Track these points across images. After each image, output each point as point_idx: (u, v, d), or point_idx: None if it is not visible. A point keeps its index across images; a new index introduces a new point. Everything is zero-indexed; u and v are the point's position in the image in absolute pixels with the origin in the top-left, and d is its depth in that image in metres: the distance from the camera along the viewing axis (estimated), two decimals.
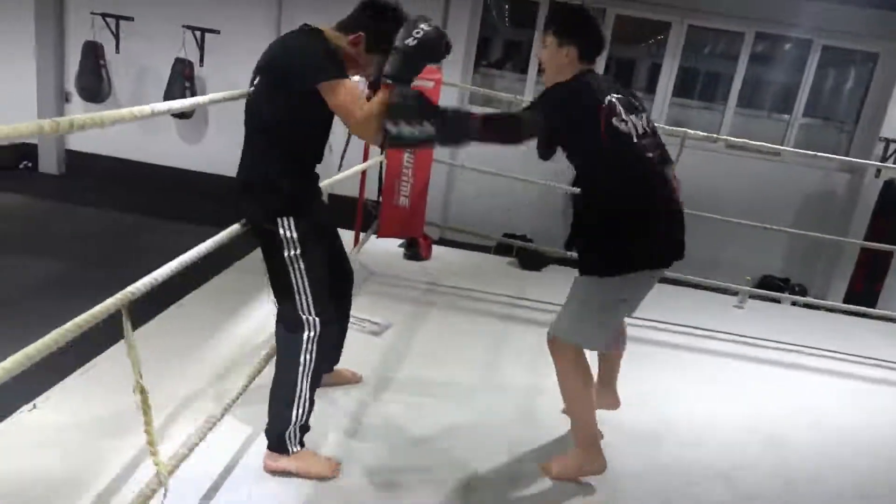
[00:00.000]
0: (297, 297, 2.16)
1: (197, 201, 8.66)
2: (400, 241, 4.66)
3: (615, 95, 2.18)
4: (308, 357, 2.17)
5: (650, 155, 2.19)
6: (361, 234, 4.40)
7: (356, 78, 2.34)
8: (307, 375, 2.19)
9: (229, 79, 8.73)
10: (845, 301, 8.08)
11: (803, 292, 8.25)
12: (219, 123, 8.74)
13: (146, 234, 7.51)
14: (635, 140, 2.16)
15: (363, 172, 4.21)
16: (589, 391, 2.34)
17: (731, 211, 5.65)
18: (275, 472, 2.22)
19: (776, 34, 8.50)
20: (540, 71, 2.42)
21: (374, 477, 2.30)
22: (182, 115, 8.29)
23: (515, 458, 2.53)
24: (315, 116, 2.14)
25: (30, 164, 9.29)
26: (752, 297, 4.72)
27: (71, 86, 8.94)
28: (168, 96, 8.49)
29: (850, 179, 8.25)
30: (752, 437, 2.89)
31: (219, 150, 9.08)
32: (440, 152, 8.32)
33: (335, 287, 2.34)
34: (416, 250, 4.51)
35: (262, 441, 2.28)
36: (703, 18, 8.37)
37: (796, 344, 4.01)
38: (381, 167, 4.23)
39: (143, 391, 1.82)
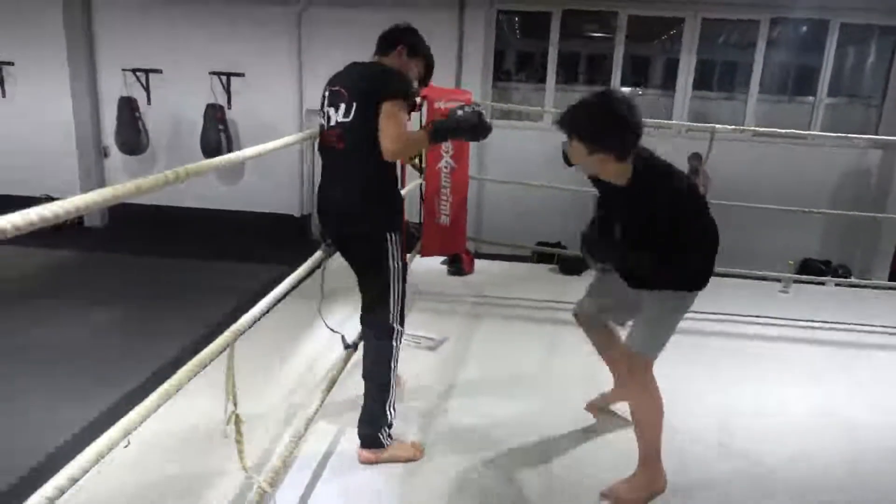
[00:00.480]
0: (390, 307, 2.41)
1: (236, 239, 8.97)
2: (442, 259, 4.78)
3: None
4: (396, 363, 2.47)
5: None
6: (407, 256, 4.55)
7: None
8: (395, 378, 2.49)
9: (258, 118, 9.05)
10: (890, 278, 7.99)
11: (847, 273, 8.15)
12: (254, 162, 8.98)
13: (193, 274, 7.78)
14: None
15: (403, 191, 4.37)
16: (661, 406, 2.31)
17: (764, 198, 5.67)
18: (372, 463, 2.46)
19: (792, 18, 8.50)
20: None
21: (451, 467, 2.43)
22: (217, 156, 8.57)
23: (582, 460, 2.60)
24: None
25: (77, 220, 9.69)
26: (796, 281, 4.73)
27: (109, 140, 9.34)
28: (204, 141, 8.83)
29: (882, 156, 8.16)
30: (827, 421, 2.91)
31: (254, 188, 9.38)
32: (472, 169, 8.51)
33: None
34: (459, 266, 4.63)
35: (346, 441, 2.50)
36: (716, 10, 8.41)
37: (849, 322, 4.01)
38: (420, 189, 4.37)
39: (238, 420, 1.96)
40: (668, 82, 8.97)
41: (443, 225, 4.29)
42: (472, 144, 8.67)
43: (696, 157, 7.29)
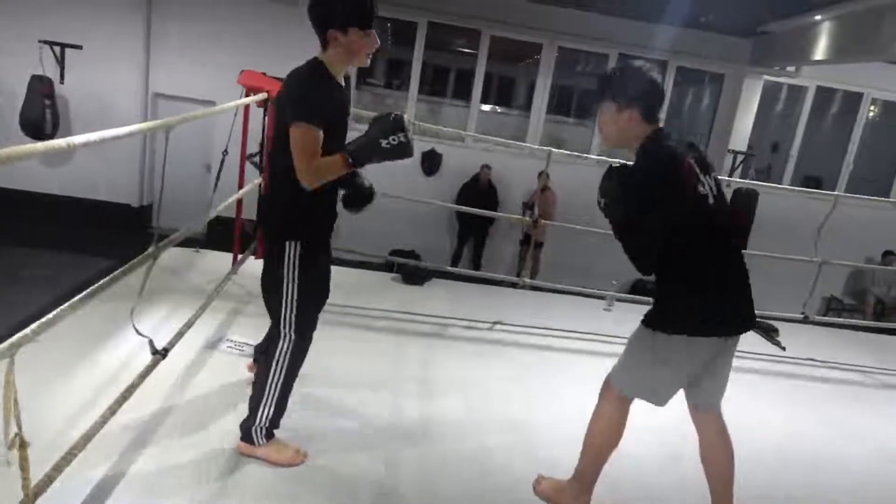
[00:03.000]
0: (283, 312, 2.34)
1: (62, 227, 8.10)
2: None
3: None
4: (281, 368, 2.38)
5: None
6: (239, 256, 4.31)
7: None
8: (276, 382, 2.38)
9: (96, 96, 8.26)
10: None
11: None
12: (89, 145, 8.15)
13: (10, 263, 6.94)
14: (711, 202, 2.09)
15: (239, 193, 4.14)
16: (611, 439, 2.29)
17: (604, 222, 6.03)
18: (245, 456, 2.43)
19: (636, 56, 9.20)
20: None
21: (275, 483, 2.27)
22: (40, 135, 7.71)
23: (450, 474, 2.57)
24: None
25: None
26: (619, 300, 5.03)
27: None
28: (25, 116, 7.90)
29: None
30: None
31: (87, 172, 8.54)
32: None
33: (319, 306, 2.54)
34: None
35: (147, 460, 2.33)
36: (571, 40, 8.91)
37: None
38: (259, 188, 4.16)
39: (23, 445, 1.70)
40: (529, 104, 9.36)
41: None
42: None
43: (542, 175, 7.67)
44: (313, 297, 2.44)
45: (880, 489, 2.93)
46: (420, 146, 8.92)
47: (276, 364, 2.36)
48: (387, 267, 5.48)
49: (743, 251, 2.22)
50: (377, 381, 3.25)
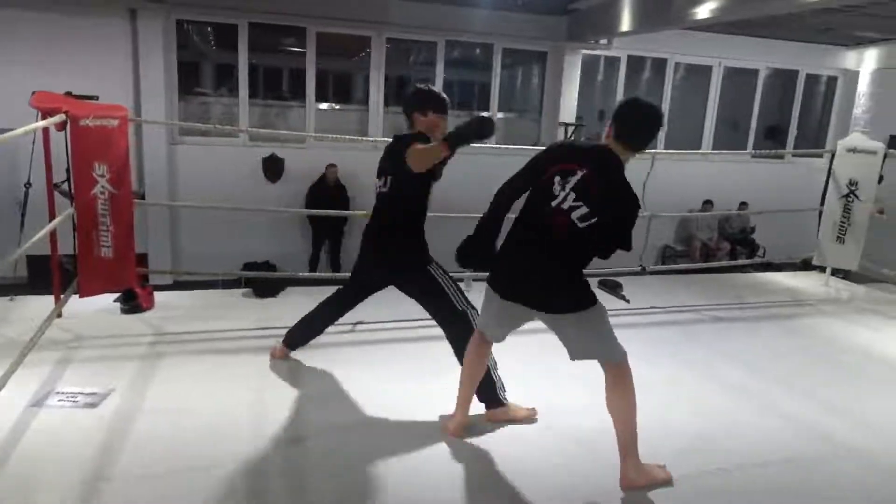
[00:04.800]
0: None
1: None
2: (116, 297, 4.20)
3: None
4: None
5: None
6: (61, 296, 3.88)
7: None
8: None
9: None
10: None
11: None
12: None
13: None
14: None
15: (54, 229, 3.71)
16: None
17: (471, 207, 6.10)
18: (500, 421, 2.90)
19: (464, 41, 9.43)
20: None
21: None
22: None
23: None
24: None
25: None
26: (476, 280, 5.15)
27: None
28: None
29: None
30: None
31: None
32: (155, 195, 7.75)
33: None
34: (134, 302, 4.09)
35: None
36: (399, 31, 8.93)
37: None
38: (73, 220, 3.76)
39: None
40: (367, 98, 9.27)
41: (105, 258, 3.74)
42: (158, 165, 7.98)
43: None
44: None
45: (721, 416, 3.22)
46: (258, 152, 8.55)
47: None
48: (236, 283, 5.19)
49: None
50: (244, 404, 3.06)
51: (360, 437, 2.83)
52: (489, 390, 2.92)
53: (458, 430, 2.82)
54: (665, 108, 10.30)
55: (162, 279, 7.16)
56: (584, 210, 2.34)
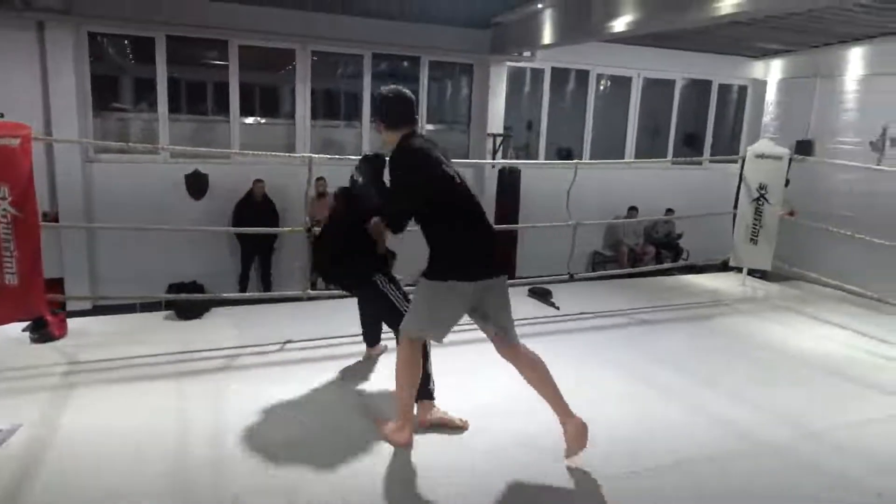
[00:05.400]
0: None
1: None
2: (24, 326, 3.95)
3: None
4: None
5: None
6: None
7: None
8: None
9: None
10: None
11: None
12: None
13: None
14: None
15: None
16: (412, 375, 2.84)
17: None
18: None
19: (391, 54, 9.43)
20: None
21: None
22: None
23: None
24: None
25: None
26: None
27: None
28: None
29: (474, 172, 9.55)
30: None
31: None
32: (69, 216, 7.37)
33: None
34: (45, 331, 3.85)
35: None
36: (323, 44, 8.84)
37: None
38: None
39: None
40: (293, 111, 9.12)
41: (11, 286, 3.50)
42: (72, 185, 7.58)
43: (320, 181, 7.66)
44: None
45: (647, 417, 3.31)
46: (181, 169, 8.27)
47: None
48: (157, 306, 4.98)
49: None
50: (165, 432, 2.92)
51: (287, 457, 2.75)
52: (422, 384, 2.94)
53: (409, 435, 2.88)
54: (588, 118, 10.61)
55: (81, 304, 6.81)
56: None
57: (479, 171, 9.49)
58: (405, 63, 9.91)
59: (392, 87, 2.91)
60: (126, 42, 8.60)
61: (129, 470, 2.65)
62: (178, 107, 8.72)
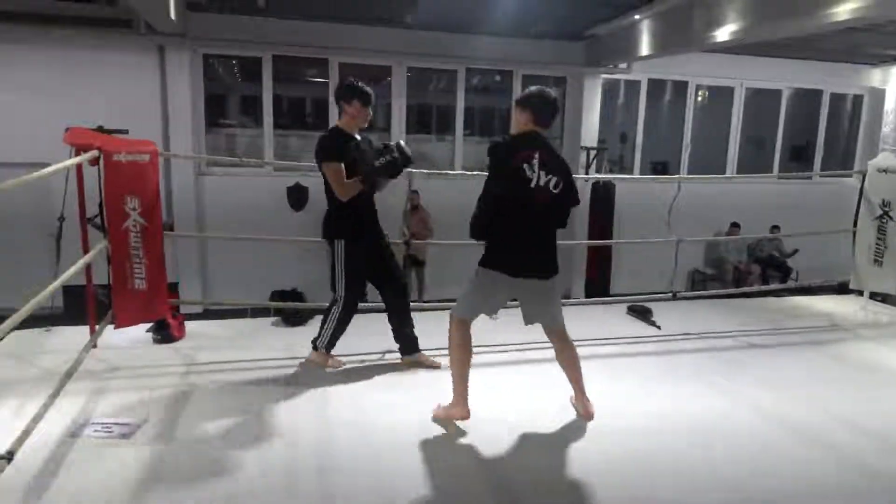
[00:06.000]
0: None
1: None
2: (148, 327, 4.24)
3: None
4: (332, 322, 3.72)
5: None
6: (96, 327, 3.92)
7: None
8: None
9: None
10: (586, 290, 9.25)
11: None
12: None
13: None
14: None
15: (89, 262, 3.75)
16: (464, 354, 3.11)
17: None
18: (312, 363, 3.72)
19: (484, 68, 9.52)
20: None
21: None
22: None
23: None
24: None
25: None
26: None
27: None
28: None
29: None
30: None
31: None
32: (183, 226, 7.88)
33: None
34: (166, 332, 4.12)
35: None
36: (419, 60, 9.05)
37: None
38: (106, 253, 3.81)
39: None
40: (388, 126, 9.38)
41: (138, 290, 3.78)
42: (186, 197, 8.10)
43: (414, 194, 7.83)
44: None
45: (758, 448, 3.13)
46: (283, 182, 8.65)
47: (330, 314, 3.69)
48: (265, 312, 5.21)
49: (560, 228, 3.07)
50: (275, 434, 3.05)
51: (394, 461, 2.80)
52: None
53: (465, 409, 3.10)
54: (687, 130, 10.27)
55: (192, 308, 7.23)
56: (554, 179, 2.95)
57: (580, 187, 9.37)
58: (497, 77, 9.98)
59: (543, 88, 3.11)
60: (234, 62, 9.14)
61: (241, 468, 2.77)
62: (279, 121, 9.16)
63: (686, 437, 3.01)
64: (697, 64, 9.54)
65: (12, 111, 7.62)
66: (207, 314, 6.67)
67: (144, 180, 3.76)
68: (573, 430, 3.14)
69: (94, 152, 3.46)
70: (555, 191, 2.94)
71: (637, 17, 7.90)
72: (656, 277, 6.44)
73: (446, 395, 3.21)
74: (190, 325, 4.43)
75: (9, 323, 2.46)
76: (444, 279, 7.97)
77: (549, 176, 2.93)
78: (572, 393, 3.28)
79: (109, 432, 3.03)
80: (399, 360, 3.94)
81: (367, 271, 3.73)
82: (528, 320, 3.17)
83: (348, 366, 3.91)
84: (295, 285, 7.91)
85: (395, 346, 3.97)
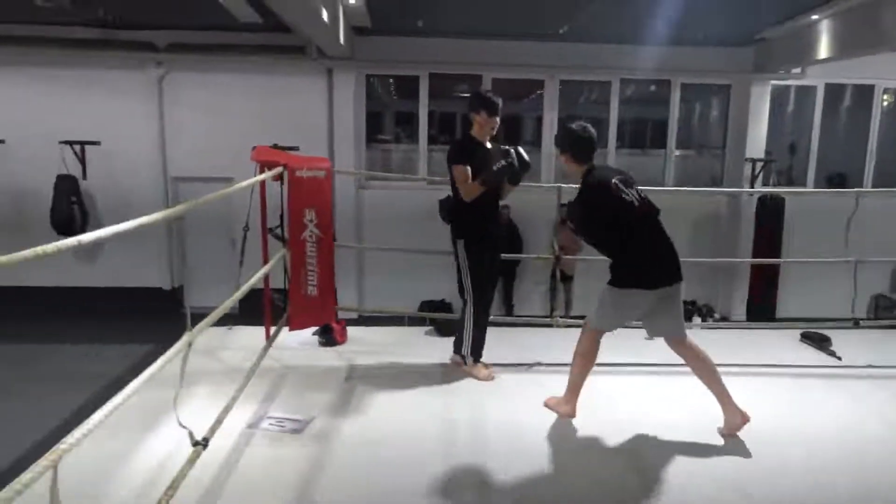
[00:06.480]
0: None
1: (97, 318, 8.23)
2: (313, 330, 4.57)
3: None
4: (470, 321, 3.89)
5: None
6: (272, 329, 4.30)
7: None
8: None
9: (118, 187, 8.49)
10: (748, 312, 8.61)
11: (710, 312, 8.69)
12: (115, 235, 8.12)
13: (49, 359, 7.06)
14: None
15: (267, 266, 4.14)
16: (588, 361, 3.34)
17: None
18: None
19: (639, 78, 9.23)
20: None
21: None
22: (72, 233, 7.90)
23: None
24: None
25: None
26: None
27: None
28: (56, 216, 8.15)
29: (728, 200, 8.88)
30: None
31: (114, 262, 8.70)
32: (344, 237, 8.42)
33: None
34: (330, 336, 4.43)
35: None
36: (572, 72, 8.97)
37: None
38: (284, 261, 4.18)
39: None
40: (538, 139, 9.39)
41: (311, 296, 4.11)
42: (346, 209, 8.65)
43: (564, 208, 7.69)
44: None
45: None
46: (435, 195, 8.91)
47: (465, 319, 3.83)
48: (419, 321, 5.42)
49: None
50: (433, 438, 3.19)
51: (551, 480, 2.79)
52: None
53: (573, 409, 3.33)
54: (872, 139, 9.25)
55: (348, 314, 7.68)
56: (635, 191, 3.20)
57: (733, 198, 8.82)
58: (652, 87, 9.63)
59: (580, 123, 3.33)
60: (391, 80, 9.64)
61: (400, 469, 2.91)
62: (431, 136, 9.51)
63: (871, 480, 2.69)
64: (885, 65, 8.57)
65: (198, 131, 8.58)
66: (361, 320, 7.06)
67: (321, 194, 4.10)
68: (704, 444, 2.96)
69: (279, 169, 3.82)
70: (645, 199, 3.20)
71: (815, 17, 7.27)
72: (832, 302, 5.85)
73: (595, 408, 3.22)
74: (351, 331, 4.72)
75: (207, 321, 2.78)
76: (589, 294, 7.79)
77: (631, 190, 3.17)
78: (721, 424, 3.18)
79: (282, 427, 3.30)
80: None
81: (490, 273, 3.90)
82: (653, 333, 3.32)
83: (500, 374, 3.98)
84: (444, 296, 8.14)
85: (542, 358, 4.09)
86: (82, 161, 8.38)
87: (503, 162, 3.60)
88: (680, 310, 3.24)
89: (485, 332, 3.89)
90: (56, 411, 5.13)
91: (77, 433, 1.77)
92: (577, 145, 3.28)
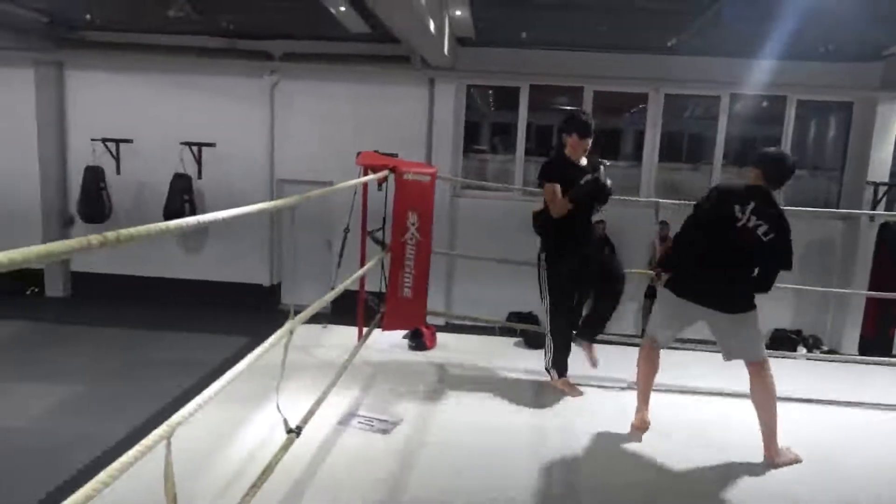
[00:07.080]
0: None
1: (201, 309, 8.75)
2: (404, 334, 4.65)
3: None
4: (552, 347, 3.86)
5: None
6: (364, 330, 4.40)
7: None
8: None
9: (228, 188, 9.01)
10: (860, 346, 7.98)
11: (817, 343, 8.13)
12: (219, 230, 8.64)
13: (156, 346, 7.57)
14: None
15: (364, 268, 4.25)
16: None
17: None
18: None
19: (751, 94, 8.79)
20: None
21: None
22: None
23: None
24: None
25: (37, 290, 9.40)
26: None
27: (74, 209, 9.19)
28: (168, 210, 8.74)
29: (844, 226, 8.29)
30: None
31: (220, 256, 9.23)
32: (437, 243, 8.51)
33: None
34: (420, 341, 4.49)
35: None
36: (678, 86, 8.68)
37: (813, 399, 3.89)
38: (382, 263, 4.29)
39: None
40: (638, 153, 9.15)
41: (405, 298, 4.18)
42: (441, 216, 8.76)
43: (663, 225, 7.48)
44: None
45: None
46: (529, 206, 8.85)
47: (547, 334, 3.86)
48: (507, 332, 5.40)
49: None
50: (519, 447, 3.17)
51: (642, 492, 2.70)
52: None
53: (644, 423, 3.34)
54: None
55: (436, 319, 7.76)
56: (764, 227, 3.07)
57: (851, 223, 8.21)
58: (764, 103, 9.16)
59: (781, 150, 3.53)
60: (490, 91, 9.69)
61: (486, 476, 2.89)
62: (528, 149, 9.46)
63: None
64: None
65: (304, 136, 8.97)
66: (448, 327, 7.11)
67: (424, 199, 4.19)
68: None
69: (385, 172, 3.93)
70: (764, 238, 3.08)
71: None
72: None
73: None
74: (441, 337, 4.76)
75: (306, 313, 2.88)
76: None
77: (760, 222, 3.08)
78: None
79: (371, 426, 3.37)
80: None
81: (571, 289, 3.88)
82: (726, 355, 3.27)
83: (588, 391, 3.89)
84: (532, 308, 8.05)
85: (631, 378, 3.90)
86: (198, 161, 8.96)
87: (588, 176, 3.63)
88: (751, 335, 3.22)
89: (568, 348, 3.84)
90: (166, 393, 5.48)
91: (189, 407, 1.87)
92: (772, 169, 3.25)
